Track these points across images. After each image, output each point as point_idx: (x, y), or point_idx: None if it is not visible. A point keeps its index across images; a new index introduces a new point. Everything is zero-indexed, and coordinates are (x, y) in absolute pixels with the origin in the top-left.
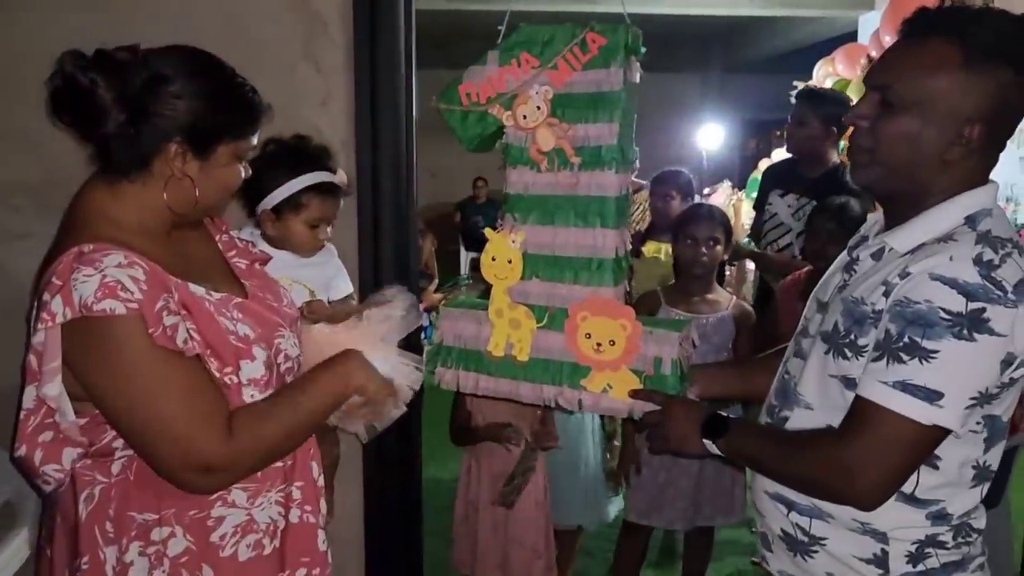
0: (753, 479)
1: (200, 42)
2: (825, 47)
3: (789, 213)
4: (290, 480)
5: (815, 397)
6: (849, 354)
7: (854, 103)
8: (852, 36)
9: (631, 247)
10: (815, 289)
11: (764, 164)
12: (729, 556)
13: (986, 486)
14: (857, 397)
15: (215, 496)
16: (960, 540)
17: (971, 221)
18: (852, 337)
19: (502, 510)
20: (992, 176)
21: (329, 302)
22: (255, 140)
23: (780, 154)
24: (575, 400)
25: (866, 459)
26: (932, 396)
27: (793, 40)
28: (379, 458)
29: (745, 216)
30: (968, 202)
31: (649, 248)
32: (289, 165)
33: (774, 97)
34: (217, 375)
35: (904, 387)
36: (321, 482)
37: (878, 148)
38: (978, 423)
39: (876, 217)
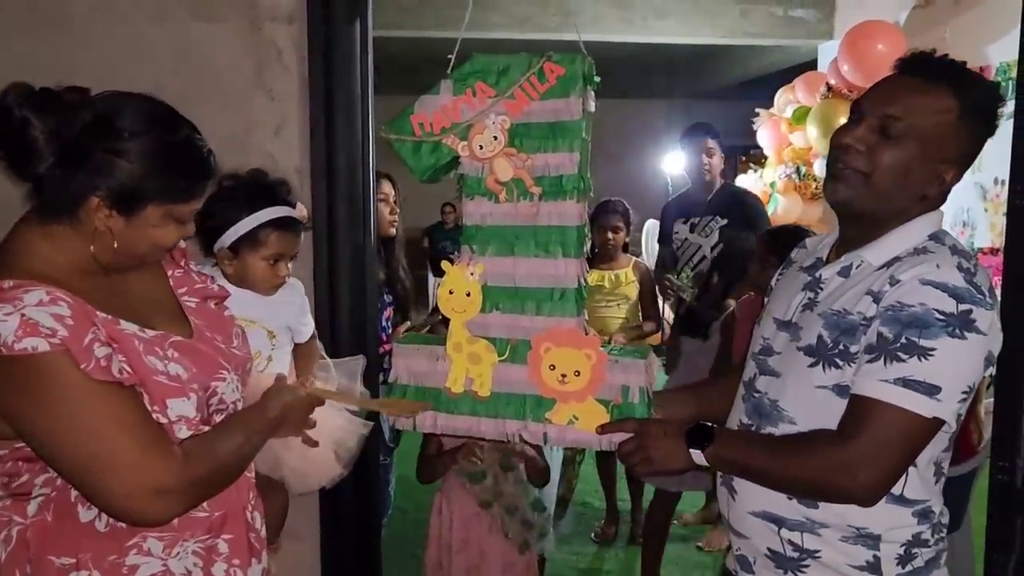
0: (728, 506)
1: (152, 70)
2: (786, 75)
3: (695, 233)
4: (216, 532)
5: (799, 411)
6: (841, 363)
7: (843, 126)
8: (812, 65)
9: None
10: (765, 310)
11: None
12: None
13: (941, 483)
14: (855, 397)
15: (131, 543)
16: (937, 536)
17: (936, 238)
18: (843, 346)
19: (476, 552)
20: (949, 202)
21: (296, 345)
22: (198, 203)
23: (743, 180)
24: (540, 434)
25: (868, 454)
26: (932, 390)
27: (756, 68)
28: (335, 512)
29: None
30: (929, 222)
31: (592, 277)
32: (245, 201)
33: (739, 123)
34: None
35: (906, 383)
36: (263, 533)
37: (874, 173)
38: (957, 420)
39: (819, 241)
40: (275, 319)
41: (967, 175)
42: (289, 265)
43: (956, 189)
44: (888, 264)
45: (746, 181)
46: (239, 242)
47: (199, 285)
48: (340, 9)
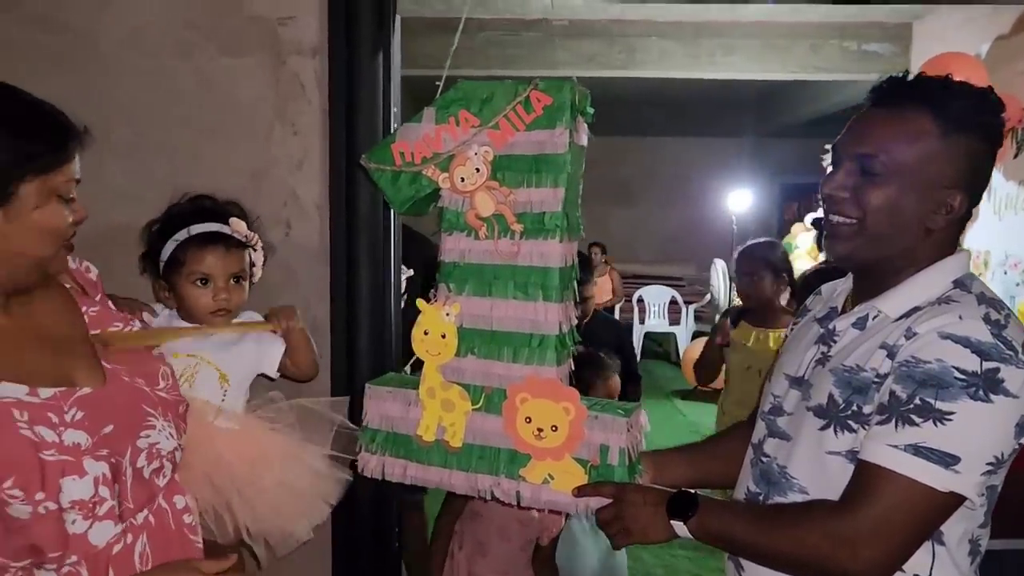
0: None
1: (177, 104)
2: (859, 111)
3: None
4: None
5: (810, 479)
6: (855, 425)
7: (825, 176)
8: None
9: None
10: (777, 364)
11: (797, 228)
12: None
13: (977, 563)
14: (861, 463)
15: None
16: None
17: (961, 284)
18: (855, 407)
19: None
20: (995, 236)
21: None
22: (75, 168)
23: (812, 218)
24: (513, 492)
25: (872, 529)
26: (948, 460)
27: (827, 104)
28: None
29: None
30: (952, 267)
31: (736, 334)
32: (170, 227)
33: (809, 161)
34: (25, 506)
35: (917, 451)
36: None
37: (864, 218)
38: (980, 494)
39: (834, 287)
40: (233, 360)
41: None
42: (239, 290)
43: (1008, 220)
44: (907, 315)
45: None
46: (168, 269)
47: (117, 323)
48: (363, 43)
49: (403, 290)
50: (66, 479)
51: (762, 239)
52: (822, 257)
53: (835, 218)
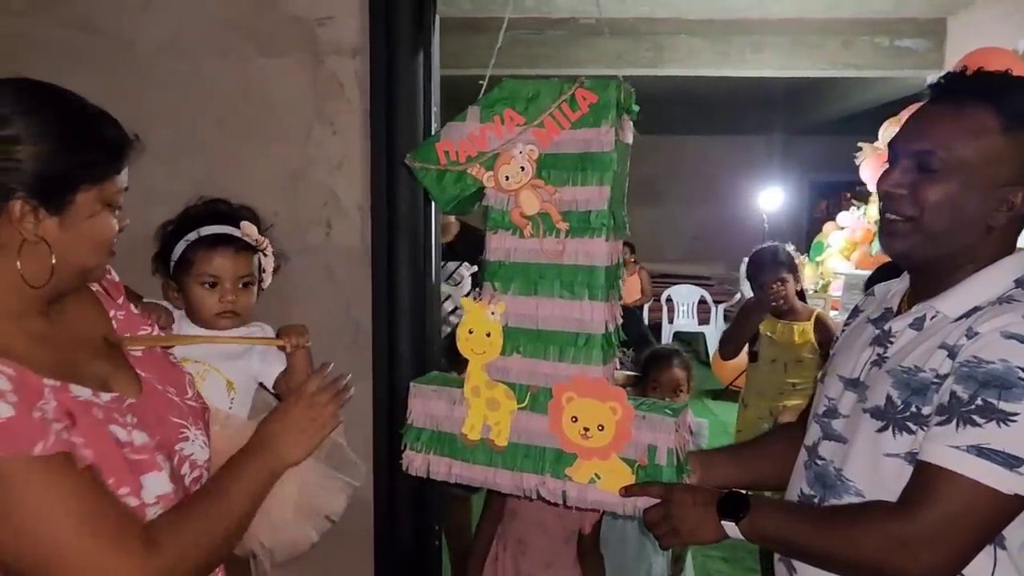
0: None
1: (215, 105)
2: (892, 107)
3: None
4: None
5: (867, 482)
6: (914, 427)
7: (882, 173)
8: (919, 96)
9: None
10: (830, 366)
11: (829, 227)
12: None
13: None
14: (921, 464)
15: None
16: None
17: (1023, 284)
18: (915, 408)
19: None
20: None
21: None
22: (125, 178)
23: (845, 218)
24: (559, 491)
25: (932, 532)
26: (1012, 462)
27: (859, 101)
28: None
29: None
30: (1013, 265)
31: (762, 326)
32: (182, 229)
33: (841, 158)
34: None
35: (980, 452)
36: None
37: (923, 215)
38: None
39: (888, 288)
40: (240, 373)
41: None
42: (247, 294)
43: None
44: (967, 315)
45: (848, 219)
46: (178, 270)
47: (145, 328)
48: (403, 42)
49: (469, 287)
50: (147, 476)
51: (766, 245)
52: (855, 256)
53: (892, 215)
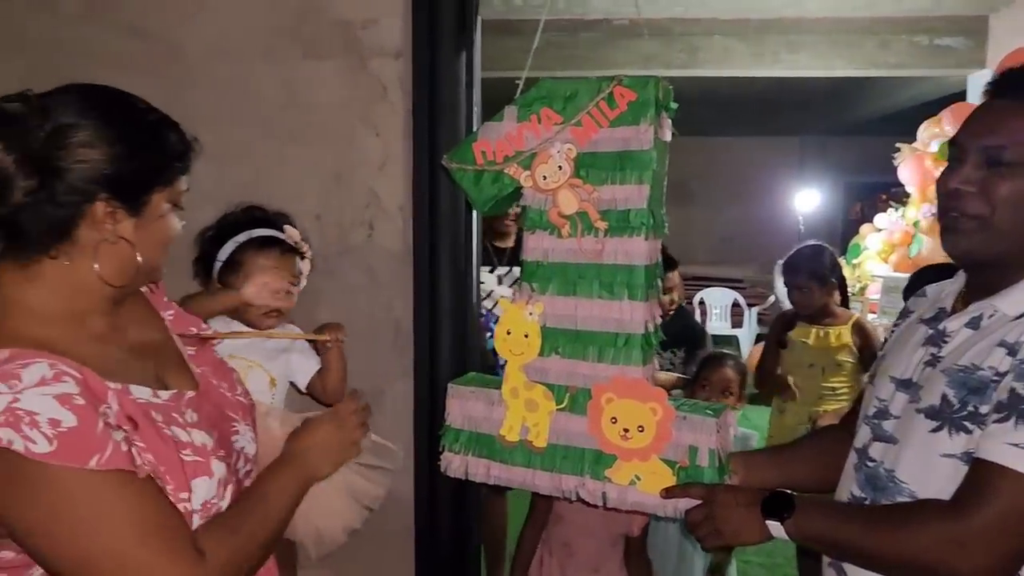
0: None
1: (260, 107)
2: (930, 108)
3: None
4: None
5: (920, 483)
6: (970, 426)
7: (946, 170)
8: (960, 96)
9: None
10: (880, 367)
11: (865, 229)
12: None
13: None
14: (977, 461)
15: None
16: None
17: None
18: (972, 407)
19: None
20: None
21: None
22: (186, 182)
23: (883, 220)
24: (599, 493)
25: (988, 531)
26: None
27: (897, 101)
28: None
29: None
30: None
31: (795, 334)
32: (222, 234)
33: (879, 159)
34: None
35: None
36: None
37: (994, 213)
38: None
39: (941, 288)
40: (280, 369)
41: None
42: (292, 296)
43: None
44: None
45: (885, 221)
46: (224, 273)
47: (192, 328)
48: (446, 44)
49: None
50: (197, 480)
51: (807, 245)
52: (894, 259)
53: (959, 215)
